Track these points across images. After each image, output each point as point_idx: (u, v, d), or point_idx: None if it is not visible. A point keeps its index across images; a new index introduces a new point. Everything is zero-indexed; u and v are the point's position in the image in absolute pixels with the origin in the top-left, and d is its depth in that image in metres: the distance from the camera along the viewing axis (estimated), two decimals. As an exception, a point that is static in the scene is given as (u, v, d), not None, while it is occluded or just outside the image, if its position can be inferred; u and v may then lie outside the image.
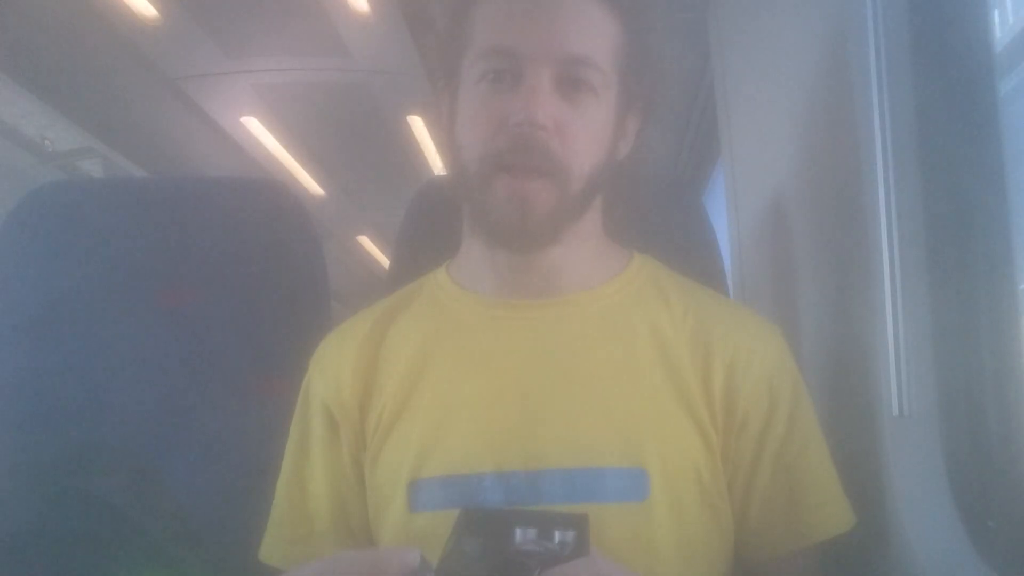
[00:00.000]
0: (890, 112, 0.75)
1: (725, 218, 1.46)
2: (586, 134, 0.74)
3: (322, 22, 1.90)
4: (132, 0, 1.79)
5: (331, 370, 0.82)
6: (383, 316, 0.84)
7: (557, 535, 0.59)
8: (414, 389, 0.78)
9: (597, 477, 0.71)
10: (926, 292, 0.74)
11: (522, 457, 0.72)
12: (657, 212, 1.09)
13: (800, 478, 0.75)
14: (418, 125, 2.52)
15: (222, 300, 1.10)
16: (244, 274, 1.11)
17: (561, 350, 0.77)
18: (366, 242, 3.79)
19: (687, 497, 0.73)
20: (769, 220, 1.19)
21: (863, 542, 0.78)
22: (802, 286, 1.04)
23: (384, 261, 3.77)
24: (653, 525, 0.71)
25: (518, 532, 0.59)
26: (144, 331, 1.09)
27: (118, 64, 2.03)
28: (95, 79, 2.06)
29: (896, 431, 0.75)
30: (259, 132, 2.57)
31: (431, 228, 0.97)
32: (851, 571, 0.79)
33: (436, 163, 2.76)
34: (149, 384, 1.07)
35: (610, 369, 0.76)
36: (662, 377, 0.75)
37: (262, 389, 1.01)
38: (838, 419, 0.80)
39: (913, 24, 0.76)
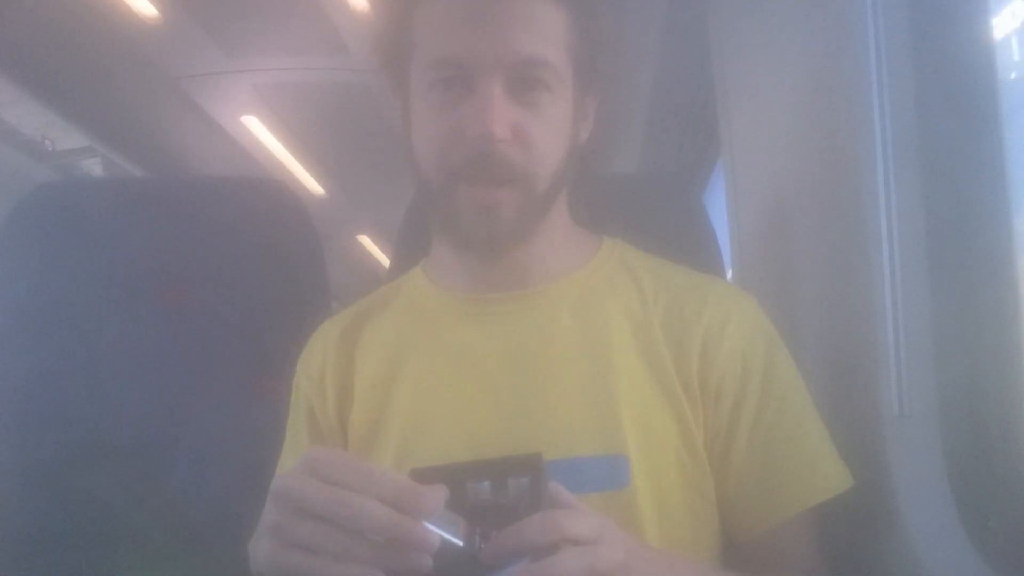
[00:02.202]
0: (890, 112, 0.75)
1: (725, 218, 1.45)
2: (546, 135, 0.73)
3: (322, 22, 1.90)
4: (132, 0, 1.79)
5: (316, 372, 0.83)
6: (361, 317, 0.85)
7: (511, 484, 0.57)
8: (391, 390, 0.78)
9: (578, 467, 0.71)
10: (926, 292, 0.74)
11: (501, 452, 0.71)
12: (657, 212, 1.09)
13: (775, 448, 0.74)
14: (418, 124, 2.51)
15: (222, 300, 1.10)
16: (244, 274, 1.11)
17: (535, 342, 0.77)
18: (366, 242, 3.79)
19: (669, 481, 0.72)
20: (769, 220, 1.19)
21: (863, 541, 0.78)
22: (802, 286, 1.04)
23: (384, 261, 3.77)
24: (636, 511, 0.70)
25: (470, 488, 0.57)
26: (144, 331, 1.09)
27: (118, 64, 2.02)
28: (95, 79, 2.06)
29: (896, 431, 0.75)
30: (259, 132, 2.57)
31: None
32: (850, 570, 0.79)
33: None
34: (149, 384, 1.07)
35: (585, 357, 0.75)
36: (637, 360, 0.75)
37: (262, 389, 1.01)
38: (838, 419, 0.80)
39: (913, 24, 0.76)
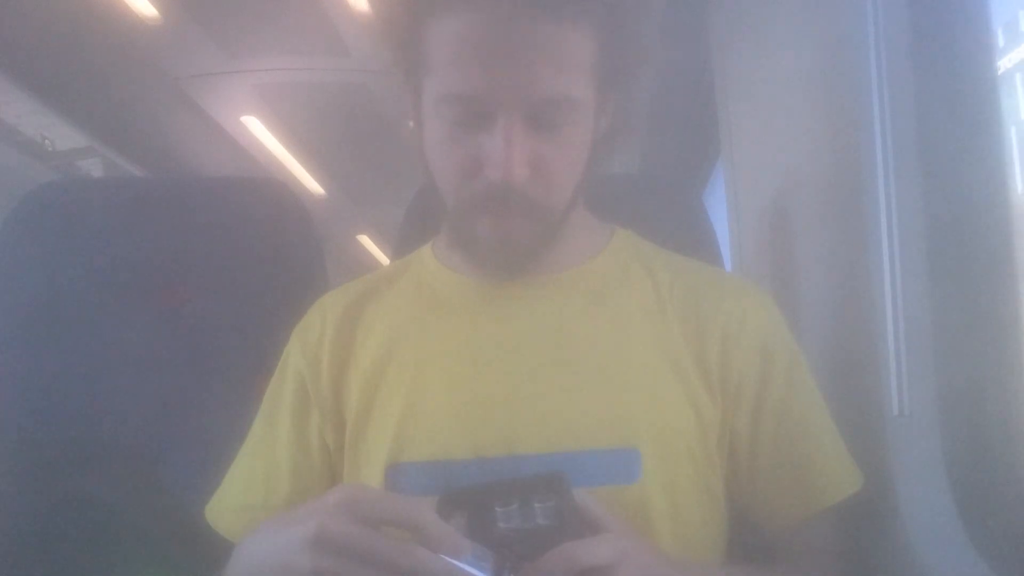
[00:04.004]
0: (890, 112, 0.75)
1: (725, 218, 1.46)
2: (566, 163, 0.71)
3: (322, 22, 1.90)
4: (132, 0, 1.79)
5: (311, 346, 0.80)
6: (365, 294, 0.82)
7: (538, 508, 0.58)
8: (391, 371, 0.76)
9: (586, 459, 0.69)
10: (926, 292, 0.74)
11: (505, 441, 0.70)
12: (657, 212, 1.09)
13: (806, 441, 0.74)
14: (418, 125, 2.51)
15: (222, 300, 1.10)
16: (244, 274, 1.11)
17: (545, 329, 0.75)
18: (366, 242, 3.79)
19: (681, 476, 0.71)
20: (769, 220, 1.19)
21: (863, 541, 0.78)
22: (802, 286, 1.04)
23: (384, 261, 3.77)
24: (646, 507, 0.69)
25: (499, 512, 0.58)
26: (144, 331, 1.09)
27: (118, 64, 2.02)
28: (95, 79, 2.05)
29: (896, 431, 0.75)
30: (259, 132, 2.57)
31: (431, 228, 0.97)
32: (850, 570, 0.79)
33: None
34: (149, 384, 1.07)
35: (597, 346, 0.74)
36: (653, 352, 0.73)
37: (262, 389, 1.01)
38: (838, 419, 0.80)
39: (913, 24, 0.76)
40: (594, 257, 0.80)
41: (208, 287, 1.10)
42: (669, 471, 0.70)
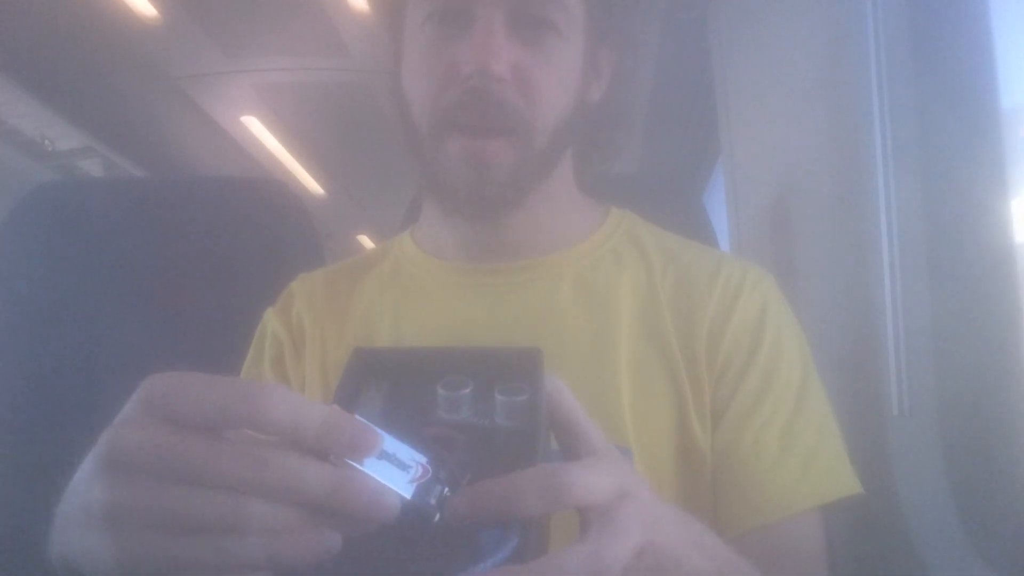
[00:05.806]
0: (890, 112, 0.75)
1: (725, 218, 1.46)
2: (550, 81, 0.65)
3: (322, 22, 1.90)
4: (132, 0, 1.79)
5: (294, 323, 0.76)
6: (337, 282, 0.78)
7: (500, 401, 0.40)
8: None
9: None
10: (926, 292, 0.74)
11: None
12: (657, 212, 1.09)
13: (760, 446, 0.64)
14: (418, 124, 2.52)
15: (221, 299, 1.10)
16: (244, 274, 1.11)
17: (531, 318, 0.69)
18: (366, 242, 3.79)
19: (668, 474, 0.65)
20: (769, 220, 1.19)
21: (862, 541, 0.78)
22: (802, 286, 1.04)
23: (384, 261, 3.75)
24: None
25: (441, 395, 0.40)
26: (144, 330, 1.08)
27: (118, 64, 2.03)
28: (95, 79, 2.06)
29: (896, 430, 0.75)
30: (259, 132, 2.57)
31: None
32: (850, 570, 0.79)
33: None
34: (149, 384, 1.07)
35: (586, 337, 0.68)
36: (643, 343, 0.67)
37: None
38: (838, 419, 0.80)
39: (913, 24, 0.76)
40: (585, 239, 0.74)
41: (207, 287, 1.10)
42: (658, 470, 0.64)
